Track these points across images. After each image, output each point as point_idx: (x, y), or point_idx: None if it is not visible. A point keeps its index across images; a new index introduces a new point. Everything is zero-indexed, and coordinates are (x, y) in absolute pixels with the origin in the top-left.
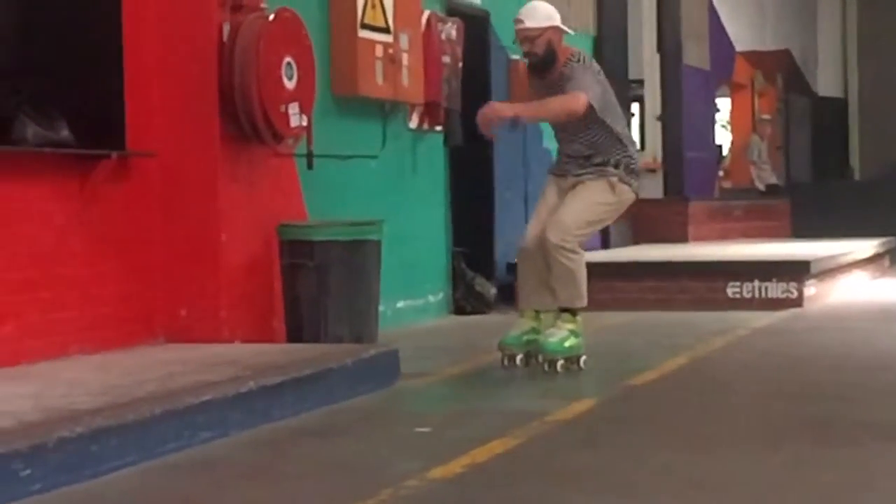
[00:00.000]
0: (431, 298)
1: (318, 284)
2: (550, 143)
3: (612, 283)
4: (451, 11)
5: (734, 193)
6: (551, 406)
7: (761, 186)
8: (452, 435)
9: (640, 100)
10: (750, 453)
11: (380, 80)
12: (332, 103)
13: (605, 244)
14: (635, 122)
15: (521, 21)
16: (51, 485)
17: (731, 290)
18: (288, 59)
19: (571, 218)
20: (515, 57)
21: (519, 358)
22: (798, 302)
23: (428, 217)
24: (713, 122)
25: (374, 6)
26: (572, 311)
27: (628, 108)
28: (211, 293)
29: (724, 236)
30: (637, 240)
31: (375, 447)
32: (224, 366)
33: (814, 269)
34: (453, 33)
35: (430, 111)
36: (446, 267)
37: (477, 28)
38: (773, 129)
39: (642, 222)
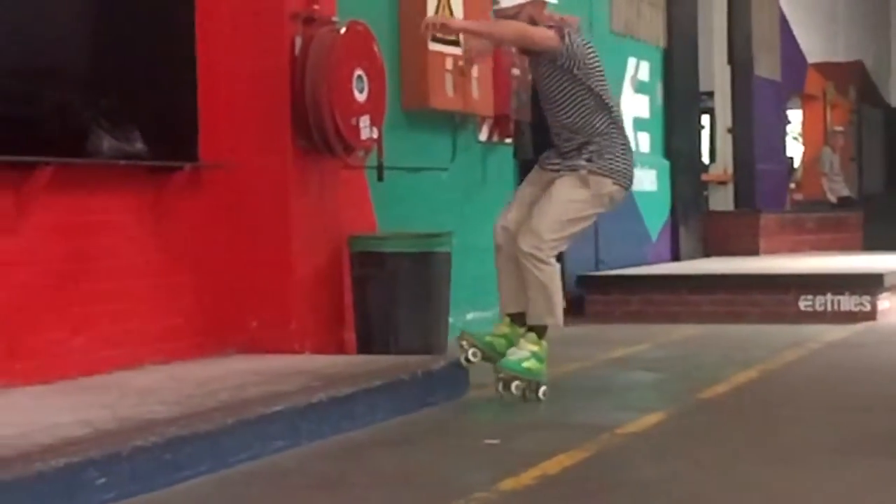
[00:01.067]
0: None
1: (388, 296)
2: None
3: (683, 295)
4: None
5: (806, 206)
6: (622, 418)
7: (833, 199)
8: (522, 447)
9: (711, 112)
10: (825, 467)
11: (450, 92)
12: (402, 115)
13: (676, 257)
14: (706, 134)
15: (497, 2)
16: (125, 493)
17: (804, 303)
18: (359, 71)
19: (543, 222)
20: None
21: (472, 352)
22: (871, 315)
23: None
24: (784, 134)
25: None
26: (539, 332)
27: (699, 120)
28: (282, 304)
29: (796, 249)
30: (708, 252)
31: (445, 458)
32: (295, 376)
33: (887, 282)
34: None
35: (499, 123)
36: None
37: None
38: (845, 140)
39: (713, 235)
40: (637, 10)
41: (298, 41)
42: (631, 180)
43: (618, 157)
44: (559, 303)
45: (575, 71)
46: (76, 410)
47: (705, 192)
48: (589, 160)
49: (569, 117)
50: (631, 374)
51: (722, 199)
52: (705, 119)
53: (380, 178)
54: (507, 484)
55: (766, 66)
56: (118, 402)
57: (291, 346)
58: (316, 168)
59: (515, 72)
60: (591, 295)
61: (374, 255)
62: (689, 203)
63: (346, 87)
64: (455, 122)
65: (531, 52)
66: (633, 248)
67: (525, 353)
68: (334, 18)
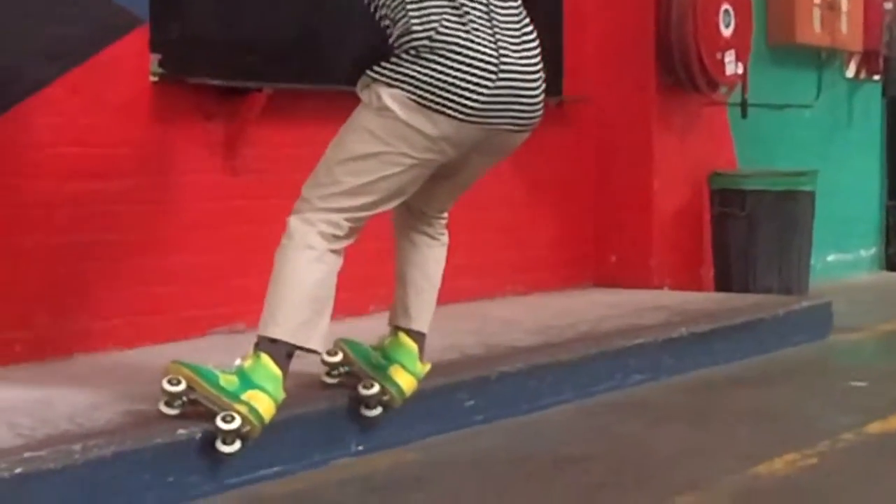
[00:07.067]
0: (863, 253)
1: (748, 234)
2: None
3: None
4: None
5: None
6: None
7: None
8: (890, 391)
9: None
10: None
11: (817, 27)
12: (766, 51)
13: None
14: None
15: None
16: (492, 416)
17: None
18: (725, 6)
19: (312, 173)
20: None
21: (336, 372)
22: None
23: (862, 169)
24: None
25: None
26: (266, 347)
27: None
28: (642, 240)
29: None
30: None
31: (809, 399)
32: (655, 311)
33: None
34: None
35: (868, 60)
36: (880, 221)
37: None
38: None
39: None
40: None
41: None
42: (463, 102)
43: (432, 61)
44: (297, 308)
45: None
46: (444, 336)
47: None
48: (381, 65)
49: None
50: None
51: None
52: None
53: (744, 115)
54: (875, 427)
55: None
56: (482, 329)
57: (650, 281)
58: (679, 104)
59: (888, 5)
60: None
61: (735, 193)
62: None
63: (713, 22)
64: (821, 58)
65: None
66: None
67: (233, 367)
68: None
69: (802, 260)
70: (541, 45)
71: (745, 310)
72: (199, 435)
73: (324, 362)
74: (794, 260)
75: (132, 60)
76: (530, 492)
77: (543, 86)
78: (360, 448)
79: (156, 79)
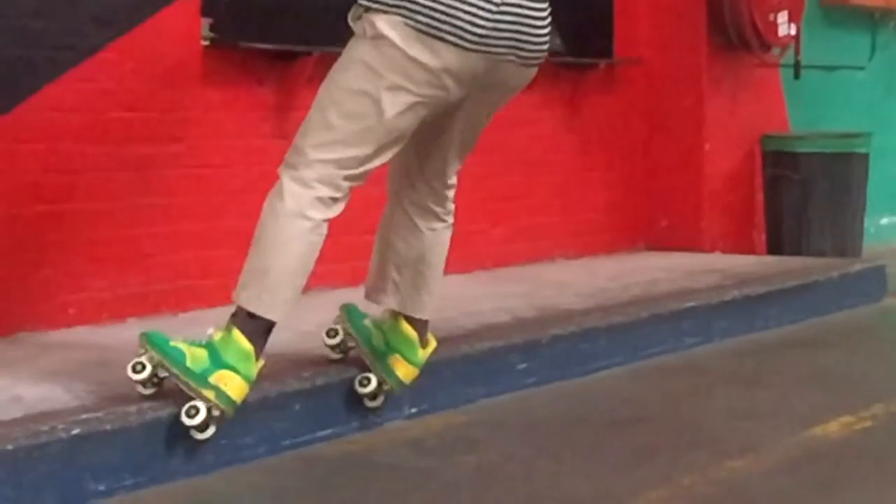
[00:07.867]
0: None
1: (801, 197)
2: None
3: None
4: None
5: None
6: None
7: None
8: None
9: None
10: None
11: None
12: (819, 12)
13: None
14: None
15: None
16: (544, 379)
17: None
18: None
19: (305, 120)
20: None
21: (339, 349)
22: None
23: None
24: None
25: None
26: (241, 320)
27: None
28: (693, 203)
29: None
30: None
31: (862, 361)
32: (707, 274)
33: None
34: None
35: None
36: None
37: None
38: None
39: None
40: None
41: None
42: (466, 27)
43: None
44: (282, 277)
45: None
46: (496, 299)
47: None
48: None
49: None
50: None
51: None
52: None
53: (796, 77)
54: None
55: None
56: (534, 292)
57: (701, 244)
58: (731, 65)
59: None
60: None
61: (787, 155)
62: None
63: None
64: (875, 19)
65: None
66: None
67: (202, 340)
68: None
69: (856, 223)
70: (591, 8)
71: (798, 273)
72: (253, 397)
73: (325, 344)
74: (847, 223)
75: (183, 25)
76: (583, 454)
77: (549, 18)
78: (413, 410)
79: (206, 43)
